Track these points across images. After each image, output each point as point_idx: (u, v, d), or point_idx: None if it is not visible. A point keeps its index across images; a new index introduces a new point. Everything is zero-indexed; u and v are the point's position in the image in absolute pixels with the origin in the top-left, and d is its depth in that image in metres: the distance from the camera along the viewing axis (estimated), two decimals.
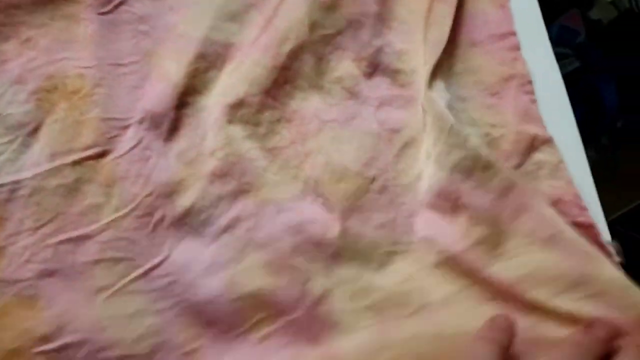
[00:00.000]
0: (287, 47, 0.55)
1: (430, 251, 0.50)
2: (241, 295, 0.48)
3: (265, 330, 0.48)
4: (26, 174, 0.51)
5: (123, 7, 0.58)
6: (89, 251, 0.50)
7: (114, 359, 0.45)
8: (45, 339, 0.47)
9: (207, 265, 0.49)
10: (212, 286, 0.48)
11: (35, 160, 0.52)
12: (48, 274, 0.49)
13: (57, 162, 0.51)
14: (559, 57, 0.59)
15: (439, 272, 0.50)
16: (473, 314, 0.47)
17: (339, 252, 0.50)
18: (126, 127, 0.53)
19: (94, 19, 0.57)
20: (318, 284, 0.49)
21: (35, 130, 0.53)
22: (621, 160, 1.22)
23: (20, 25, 0.56)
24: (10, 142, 0.52)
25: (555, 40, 0.73)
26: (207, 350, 0.48)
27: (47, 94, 0.54)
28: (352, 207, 0.51)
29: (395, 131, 0.55)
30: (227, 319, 0.48)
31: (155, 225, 0.51)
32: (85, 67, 0.56)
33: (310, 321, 0.49)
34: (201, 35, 0.56)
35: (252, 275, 0.49)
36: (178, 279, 0.49)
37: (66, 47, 0.57)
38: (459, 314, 0.48)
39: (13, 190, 0.51)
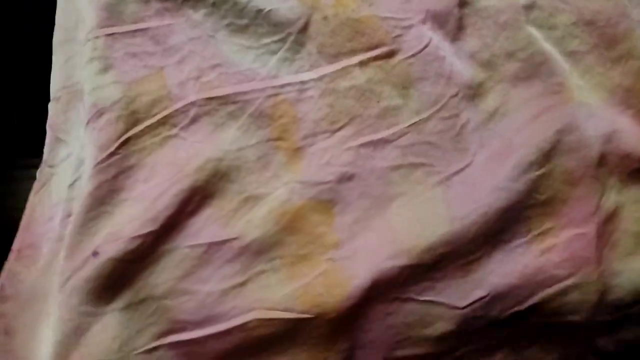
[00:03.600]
0: None
1: None
2: (533, 204, 0.44)
3: (548, 241, 0.44)
4: (311, 75, 0.45)
5: None
6: (389, 156, 0.44)
7: (398, 269, 0.42)
8: (336, 246, 0.43)
9: (509, 169, 0.44)
10: (511, 191, 0.44)
11: (315, 61, 0.45)
12: (348, 177, 0.44)
13: (343, 64, 0.45)
14: None
15: None
16: None
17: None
18: (408, 27, 0.47)
19: None
20: (611, 200, 0.46)
21: (305, 27, 0.46)
22: None
23: None
24: (282, 40, 0.46)
25: None
26: (488, 259, 0.44)
27: None
28: None
29: None
30: (513, 227, 0.44)
31: (461, 128, 0.45)
32: None
33: (597, 239, 0.45)
34: None
35: (551, 183, 0.44)
36: (479, 185, 0.44)
37: None
38: None
39: (301, 91, 0.44)
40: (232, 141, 0.43)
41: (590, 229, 0.44)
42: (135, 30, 0.44)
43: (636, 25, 0.48)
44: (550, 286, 0.43)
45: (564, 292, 0.43)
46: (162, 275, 0.41)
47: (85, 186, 0.43)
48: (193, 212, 0.43)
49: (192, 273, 0.42)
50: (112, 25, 0.44)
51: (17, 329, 0.45)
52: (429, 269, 0.42)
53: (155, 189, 0.42)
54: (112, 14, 0.44)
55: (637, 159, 0.46)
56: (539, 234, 0.44)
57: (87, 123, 0.43)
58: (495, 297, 0.43)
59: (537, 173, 0.44)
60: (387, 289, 0.42)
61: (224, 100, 0.44)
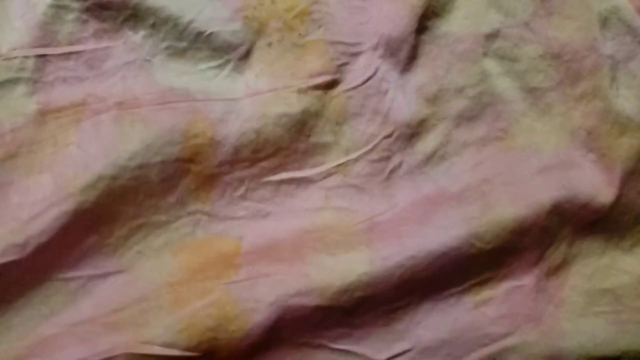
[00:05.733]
0: None
1: None
2: (474, 253, 0.40)
3: (485, 294, 0.41)
4: (242, 93, 0.42)
5: None
6: (312, 197, 0.42)
7: (310, 309, 0.38)
8: (235, 268, 0.39)
9: (444, 216, 0.41)
10: (447, 235, 0.40)
11: (251, 87, 0.43)
12: (263, 215, 0.41)
13: (280, 88, 0.42)
14: None
15: None
16: None
17: (600, 221, 0.42)
18: (356, 54, 0.44)
19: None
20: (559, 252, 0.42)
21: (247, 55, 0.43)
22: None
23: None
24: (220, 66, 0.43)
25: None
26: (414, 309, 0.41)
27: (254, 12, 0.44)
28: (635, 169, 0.43)
29: None
30: (447, 276, 0.41)
31: (391, 173, 0.43)
32: None
33: (537, 293, 0.41)
34: None
35: (495, 232, 0.41)
36: (407, 230, 0.41)
37: None
38: None
39: (227, 111, 0.41)
40: (131, 156, 0.39)
41: (529, 280, 0.41)
42: (70, 53, 0.42)
43: (604, 61, 0.43)
44: (485, 345, 0.40)
45: (502, 354, 0.40)
46: (25, 312, 0.37)
47: None
48: (74, 239, 0.38)
49: (61, 310, 0.37)
50: (46, 46, 0.41)
51: None
52: (346, 313, 0.39)
53: (30, 207, 0.37)
54: (46, 33, 0.41)
55: (594, 210, 0.42)
56: (475, 284, 0.41)
57: None
58: (422, 353, 0.40)
59: (479, 221, 0.40)
60: (294, 330, 0.39)
61: (136, 112, 0.40)
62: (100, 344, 0.36)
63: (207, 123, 0.41)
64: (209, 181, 0.41)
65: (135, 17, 0.43)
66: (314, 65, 0.43)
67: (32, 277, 0.37)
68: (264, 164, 0.42)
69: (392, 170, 0.42)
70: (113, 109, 0.40)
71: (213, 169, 0.41)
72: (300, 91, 0.42)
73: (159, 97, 0.41)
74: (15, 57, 0.40)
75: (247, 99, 0.42)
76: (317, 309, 0.38)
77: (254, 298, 0.37)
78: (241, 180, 0.41)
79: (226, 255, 0.40)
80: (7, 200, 0.37)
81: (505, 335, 0.40)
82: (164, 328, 0.36)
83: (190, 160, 0.40)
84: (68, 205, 0.37)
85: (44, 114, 0.40)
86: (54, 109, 0.40)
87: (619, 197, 0.42)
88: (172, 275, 0.39)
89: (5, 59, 0.40)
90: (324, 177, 0.42)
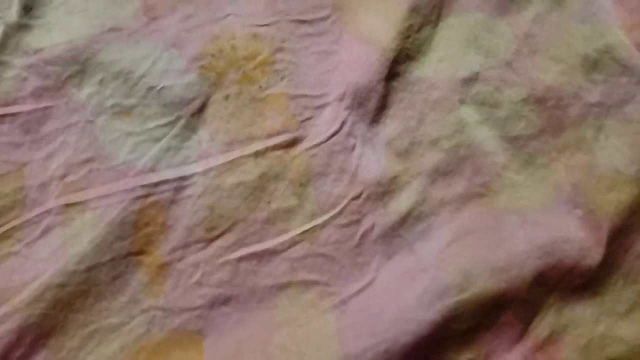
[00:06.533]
0: None
1: None
2: (451, 335, 0.36)
3: None
4: (195, 168, 0.39)
5: None
6: (276, 271, 0.38)
7: None
8: None
9: (419, 293, 0.36)
10: (421, 323, 0.36)
11: (204, 150, 0.39)
12: (222, 301, 0.37)
13: (236, 154, 0.39)
14: None
15: None
16: None
17: (589, 284, 0.38)
18: (321, 107, 0.41)
19: None
20: (545, 323, 0.37)
21: (201, 110, 0.40)
22: None
23: None
24: (170, 124, 0.40)
25: None
26: None
27: (212, 61, 0.41)
28: (623, 226, 0.38)
29: None
30: None
31: (362, 238, 0.38)
32: (260, 25, 0.42)
33: None
34: None
35: (472, 312, 0.36)
36: (380, 314, 0.36)
37: (232, 0, 0.43)
38: None
39: (178, 190, 0.38)
40: (81, 259, 0.36)
41: (514, 359, 0.37)
42: (5, 115, 0.39)
43: (589, 111, 0.40)
44: None
45: None
46: None
47: None
48: (22, 357, 0.35)
49: None
50: None
51: None
52: None
53: None
54: None
55: (581, 273, 0.37)
56: None
57: None
58: None
59: (456, 299, 0.36)
60: None
61: (83, 207, 0.38)
62: None
63: (157, 208, 0.38)
64: (161, 272, 0.37)
65: (82, 73, 0.40)
66: (273, 122, 0.40)
67: None
68: (220, 242, 0.38)
69: (364, 235, 0.38)
70: (60, 212, 0.38)
71: (165, 257, 0.37)
72: (258, 154, 0.39)
73: (106, 180, 0.38)
74: None
75: (200, 172, 0.39)
76: None
77: None
78: (196, 266, 0.37)
79: None
80: None
81: None
82: None
83: (141, 252, 0.37)
84: (14, 322, 0.35)
85: None
86: None
87: (605, 257, 0.37)
88: None
89: None
90: (289, 247, 0.38)
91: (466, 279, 0.36)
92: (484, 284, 0.36)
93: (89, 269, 0.36)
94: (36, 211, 0.38)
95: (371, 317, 0.36)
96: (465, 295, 0.36)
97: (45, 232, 0.37)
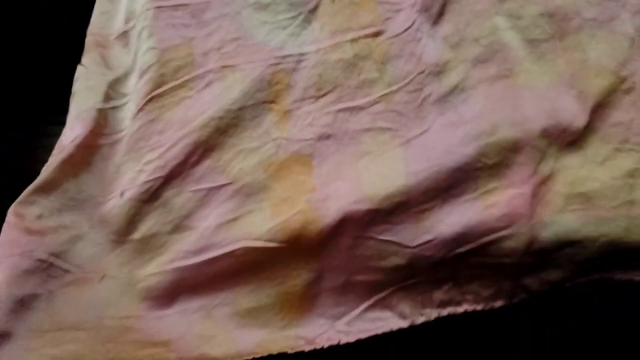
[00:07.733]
0: None
1: None
2: (481, 167, 0.50)
3: (492, 199, 0.50)
4: (310, 48, 0.55)
5: None
6: (362, 120, 0.54)
7: (362, 212, 0.48)
8: (312, 190, 0.51)
9: (461, 137, 0.51)
10: (462, 154, 0.50)
11: (316, 37, 0.56)
12: (326, 136, 0.53)
13: (337, 39, 0.55)
14: None
15: None
16: None
17: (578, 141, 0.52)
18: (398, 11, 0.56)
19: None
20: (548, 166, 0.51)
21: (315, 9, 0.57)
22: None
23: None
24: (294, 17, 0.56)
25: None
26: (438, 210, 0.50)
27: None
28: (602, 102, 0.52)
29: None
30: (462, 185, 0.50)
31: (423, 101, 0.54)
32: None
33: (532, 198, 0.50)
34: None
35: (499, 149, 0.50)
36: (434, 148, 0.51)
37: None
38: None
39: (298, 62, 0.55)
40: (234, 102, 0.53)
41: (527, 189, 0.50)
42: (179, 5, 0.57)
43: (585, 23, 0.54)
44: (488, 235, 0.50)
45: (499, 240, 0.49)
46: (170, 215, 0.50)
47: (125, 136, 0.54)
48: (196, 162, 0.51)
49: (193, 213, 0.50)
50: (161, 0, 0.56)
51: None
52: (387, 214, 0.49)
53: (166, 140, 0.51)
54: None
55: (573, 132, 0.51)
56: (485, 192, 0.51)
57: (136, 83, 0.55)
58: (441, 241, 0.49)
59: (486, 141, 0.50)
60: (351, 227, 0.49)
61: (234, 68, 0.55)
62: (222, 240, 0.50)
63: (284, 72, 0.54)
64: (286, 115, 0.54)
65: None
66: (365, 19, 0.56)
67: (171, 190, 0.51)
68: (325, 98, 0.54)
69: (424, 99, 0.53)
70: (218, 71, 0.55)
71: (288, 105, 0.54)
72: (353, 41, 0.55)
73: (250, 52, 0.55)
74: (143, 12, 0.57)
75: (313, 51, 0.55)
76: (368, 211, 0.49)
77: (325, 208, 0.49)
78: (309, 113, 0.54)
79: (304, 181, 0.52)
80: (154, 134, 0.53)
81: (504, 228, 0.49)
82: (266, 230, 0.49)
83: (273, 101, 0.54)
84: (191, 139, 0.52)
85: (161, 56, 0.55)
86: (165, 48, 0.55)
87: (589, 123, 0.51)
88: (267, 188, 0.52)
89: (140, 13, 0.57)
90: (371, 105, 0.54)
91: (493, 128, 0.50)
92: (506, 132, 0.50)
93: (239, 109, 0.53)
94: (201, 70, 0.55)
95: (427, 150, 0.51)
96: (492, 139, 0.50)
97: (208, 84, 0.55)
